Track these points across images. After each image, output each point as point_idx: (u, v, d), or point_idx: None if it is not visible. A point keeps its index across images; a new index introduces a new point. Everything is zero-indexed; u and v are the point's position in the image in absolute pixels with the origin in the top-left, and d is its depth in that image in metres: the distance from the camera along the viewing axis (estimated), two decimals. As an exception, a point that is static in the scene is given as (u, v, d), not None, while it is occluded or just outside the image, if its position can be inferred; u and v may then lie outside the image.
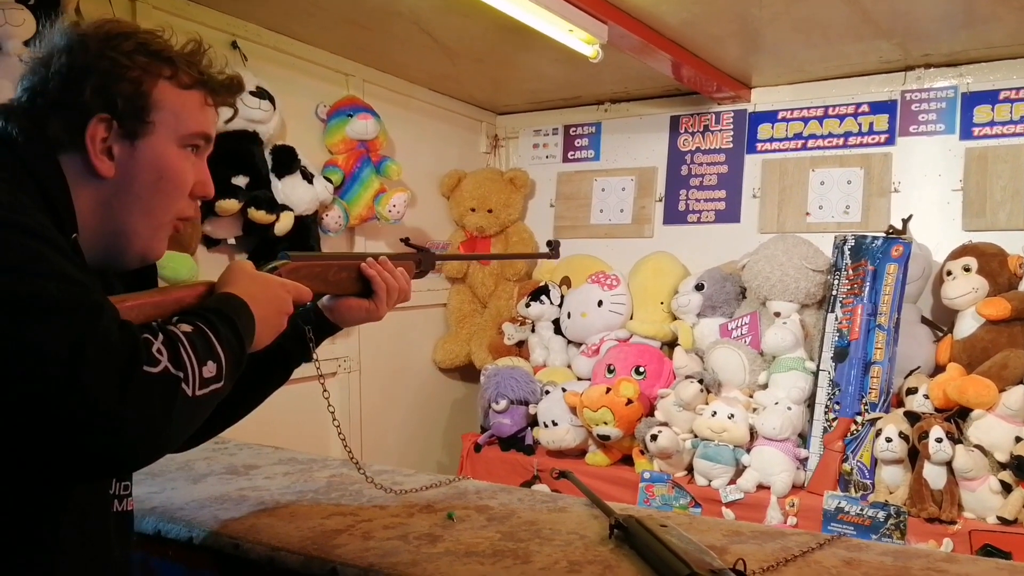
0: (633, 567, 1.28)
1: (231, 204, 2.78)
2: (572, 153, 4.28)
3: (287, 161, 3.02)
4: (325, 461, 1.96)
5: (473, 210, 4.03)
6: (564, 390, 3.53)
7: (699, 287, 3.65)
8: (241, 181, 2.84)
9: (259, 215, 2.87)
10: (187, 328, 1.03)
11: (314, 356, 1.52)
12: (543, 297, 3.91)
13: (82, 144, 1.12)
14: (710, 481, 3.15)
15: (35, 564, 1.04)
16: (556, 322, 3.94)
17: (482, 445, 3.71)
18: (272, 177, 2.97)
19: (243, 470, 1.87)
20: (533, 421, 3.63)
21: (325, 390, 1.58)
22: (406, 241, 1.69)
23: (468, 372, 4.18)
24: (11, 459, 0.96)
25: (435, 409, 4.14)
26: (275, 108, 2.96)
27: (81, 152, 1.12)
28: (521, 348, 4.03)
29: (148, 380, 0.94)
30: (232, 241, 3.00)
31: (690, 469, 3.24)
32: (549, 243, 1.97)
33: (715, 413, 3.15)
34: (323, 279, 1.42)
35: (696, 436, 3.21)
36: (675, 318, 3.73)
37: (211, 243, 2.97)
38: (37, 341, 0.89)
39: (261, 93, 2.90)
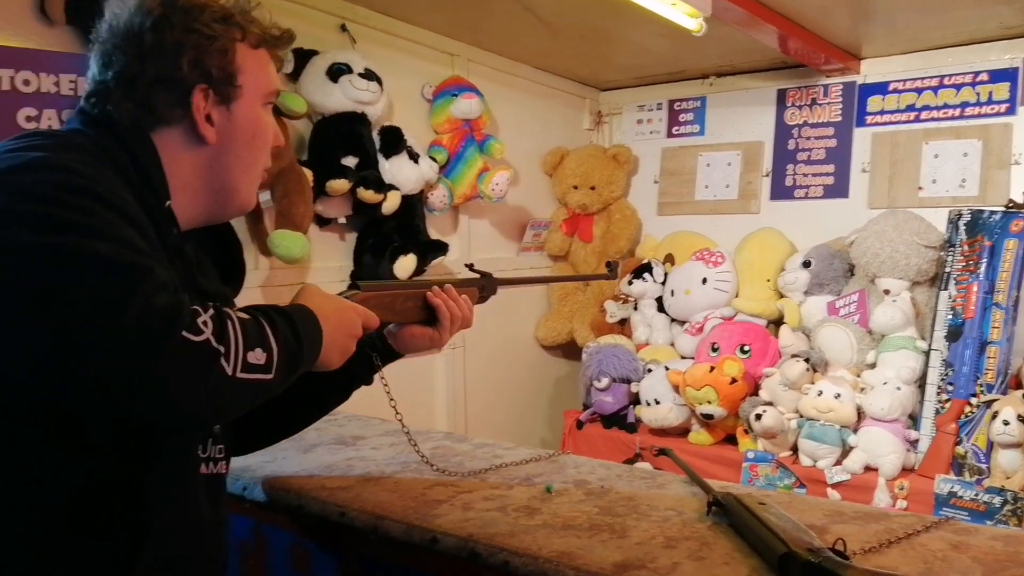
0: (730, 544, 1.29)
1: (341, 184, 2.86)
2: (676, 128, 4.24)
3: (394, 141, 3.08)
4: (428, 433, 2.01)
5: (576, 187, 4.03)
6: (667, 368, 3.52)
7: (806, 264, 3.58)
8: (351, 161, 2.91)
9: (367, 195, 2.94)
10: (244, 316, 1.07)
11: (384, 384, 1.56)
12: (646, 275, 3.90)
13: (185, 116, 1.19)
14: (815, 462, 3.10)
15: (124, 522, 1.10)
16: (659, 300, 3.92)
17: (584, 422, 3.73)
18: (380, 157, 3.04)
19: (351, 440, 1.94)
20: (635, 399, 3.63)
21: (393, 403, 1.61)
22: (471, 267, 1.70)
23: (570, 350, 4.20)
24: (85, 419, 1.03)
25: (538, 386, 4.18)
26: (383, 89, 3.02)
27: (182, 123, 1.20)
28: (623, 326, 4.03)
29: (186, 345, 0.97)
30: (342, 220, 3.09)
31: (795, 449, 3.19)
32: (608, 264, 1.96)
33: (821, 392, 3.10)
34: (391, 308, 1.45)
35: (801, 416, 3.16)
36: (781, 296, 3.68)
37: (323, 222, 3.06)
38: (82, 296, 0.94)
39: (369, 75, 2.96)
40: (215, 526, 1.27)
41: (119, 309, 0.94)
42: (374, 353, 1.52)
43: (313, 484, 1.58)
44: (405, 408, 2.67)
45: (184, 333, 0.97)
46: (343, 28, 3.01)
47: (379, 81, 3.00)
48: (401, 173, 3.05)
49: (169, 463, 1.16)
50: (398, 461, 1.73)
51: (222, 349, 1.00)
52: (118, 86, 1.18)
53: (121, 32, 1.18)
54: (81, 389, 0.96)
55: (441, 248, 3.23)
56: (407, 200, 3.10)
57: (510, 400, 3.98)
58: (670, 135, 4.26)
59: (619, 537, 1.32)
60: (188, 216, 1.23)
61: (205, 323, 0.99)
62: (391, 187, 3.02)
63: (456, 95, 3.34)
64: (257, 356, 1.04)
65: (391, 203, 3.02)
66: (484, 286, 1.64)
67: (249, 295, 2.62)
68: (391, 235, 3.11)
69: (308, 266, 3.02)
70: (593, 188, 4.03)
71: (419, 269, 3.13)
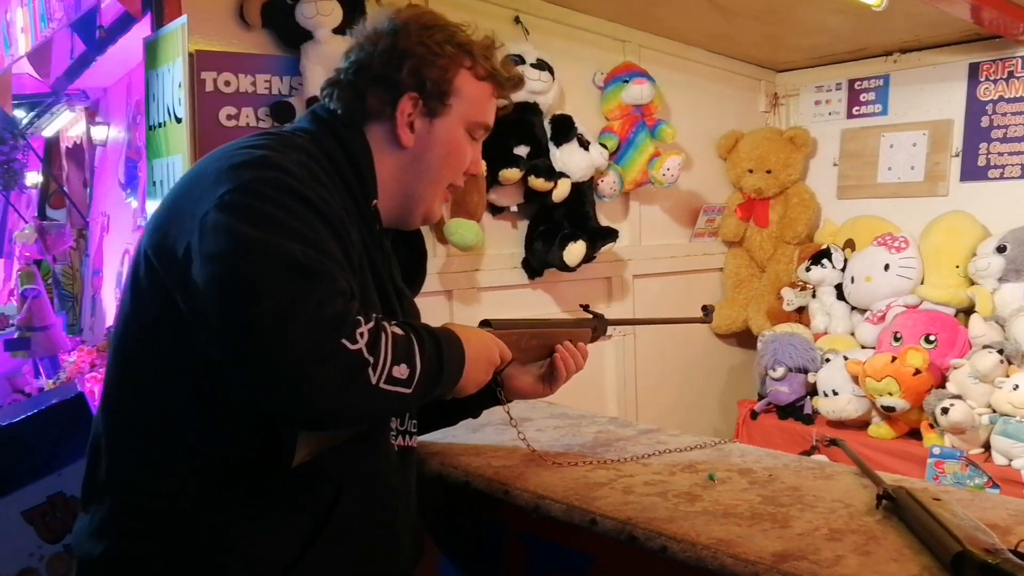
0: (900, 540, 1.24)
1: (513, 173, 2.92)
2: (857, 108, 4.06)
3: (565, 129, 3.12)
4: (593, 418, 2.03)
5: (751, 171, 3.94)
6: (846, 358, 3.41)
7: (1001, 249, 3.37)
8: (522, 151, 2.97)
9: (538, 183, 3.00)
10: (398, 331, 1.16)
11: (506, 409, 1.60)
12: (825, 261, 3.78)
13: (391, 116, 1.33)
14: (1011, 461, 2.92)
15: (317, 485, 1.23)
16: (839, 287, 3.79)
17: (758, 413, 3.67)
18: (551, 145, 3.09)
19: (518, 421, 1.99)
20: (812, 390, 3.54)
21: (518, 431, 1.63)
22: (585, 307, 1.75)
23: (745, 338, 4.12)
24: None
25: (710, 374, 4.12)
26: (554, 78, 3.06)
27: (388, 123, 1.33)
28: (801, 314, 3.92)
29: (341, 352, 1.07)
30: (514, 208, 3.16)
31: (987, 446, 3.02)
32: (704, 308, 1.94)
33: (1017, 386, 2.91)
34: (517, 346, 1.51)
35: (994, 411, 2.98)
36: (972, 283, 3.47)
37: (496, 211, 3.14)
38: (266, 288, 1.06)
39: (541, 65, 3.01)
40: (404, 495, 1.38)
41: (292, 307, 1.05)
42: (498, 387, 1.57)
43: (480, 462, 1.64)
44: (574, 392, 2.71)
45: (343, 340, 1.07)
46: (517, 20, 3.08)
47: (551, 70, 3.04)
48: (571, 160, 3.09)
49: (362, 432, 1.27)
50: (562, 443, 1.77)
51: (371, 359, 1.10)
52: (348, 75, 1.34)
53: (368, 31, 1.35)
54: (243, 372, 1.08)
55: (611, 234, 3.24)
56: (577, 187, 3.14)
57: (682, 388, 3.95)
58: (850, 116, 4.08)
59: (781, 527, 1.30)
60: (385, 218, 1.37)
61: (362, 333, 1.09)
62: (561, 175, 3.06)
63: (627, 81, 3.34)
64: (401, 371, 1.13)
65: (561, 190, 3.06)
66: (596, 327, 1.70)
67: (426, 281, 2.74)
68: (561, 222, 3.15)
69: (482, 253, 3.11)
70: (769, 172, 3.93)
71: (589, 256, 3.15)
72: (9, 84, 3.81)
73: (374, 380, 1.10)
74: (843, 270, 3.77)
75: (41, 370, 4.98)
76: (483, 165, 1.47)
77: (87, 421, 3.35)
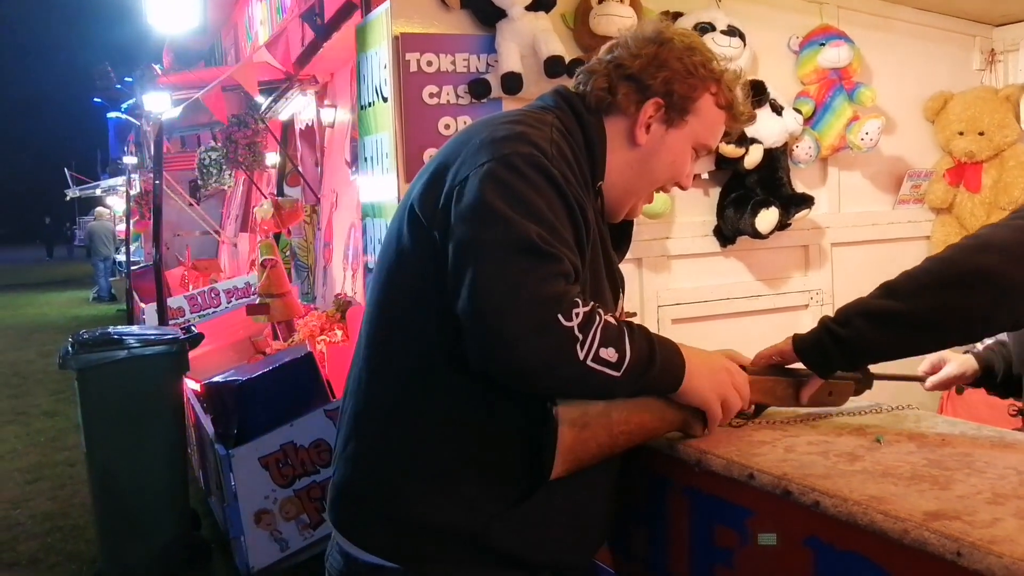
0: (1076, 511, 1.22)
1: (702, 140, 2.96)
2: (1088, 61, 3.74)
3: (756, 95, 3.10)
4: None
5: (961, 133, 3.72)
6: (1067, 328, 3.19)
7: None
8: (712, 118, 3.00)
9: (729, 149, 3.02)
10: (611, 320, 1.29)
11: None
12: (1045, 226, 3.53)
13: (634, 114, 1.48)
14: None
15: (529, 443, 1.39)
16: (1061, 255, 3.53)
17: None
18: (743, 111, 3.09)
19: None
20: (1028, 364, 3.34)
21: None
22: None
23: (954, 309, 3.92)
24: None
25: (915, 346, 3.95)
26: (745, 45, 3.06)
27: (628, 120, 1.49)
28: (1018, 283, 3.68)
29: (556, 325, 1.21)
30: (705, 176, 3.20)
31: None
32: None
33: None
34: (773, 393, 1.62)
35: None
36: None
37: (685, 178, 3.18)
38: (497, 265, 1.22)
39: (731, 31, 3.03)
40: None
41: (517, 286, 1.21)
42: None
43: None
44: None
45: (559, 315, 1.22)
46: (708, -13, 3.10)
47: (741, 36, 3.04)
48: (763, 126, 3.09)
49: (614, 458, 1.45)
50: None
51: (580, 337, 1.23)
52: (607, 67, 1.50)
53: (637, 35, 1.51)
54: (468, 333, 1.25)
55: (806, 201, 3.21)
56: (770, 153, 3.13)
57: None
58: (1079, 69, 3.77)
59: (940, 489, 1.30)
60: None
61: (577, 313, 1.24)
62: (753, 140, 3.07)
63: (823, 44, 3.29)
64: (609, 353, 1.26)
65: (753, 157, 3.07)
66: (860, 379, 1.71)
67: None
68: (754, 188, 3.16)
69: (672, 220, 3.17)
70: (982, 133, 3.70)
71: (782, 223, 3.14)
72: (255, 72, 4.21)
73: (581, 356, 1.23)
74: (1067, 236, 3.51)
75: (278, 332, 5.50)
76: (692, 181, 1.63)
77: (316, 379, 3.71)
